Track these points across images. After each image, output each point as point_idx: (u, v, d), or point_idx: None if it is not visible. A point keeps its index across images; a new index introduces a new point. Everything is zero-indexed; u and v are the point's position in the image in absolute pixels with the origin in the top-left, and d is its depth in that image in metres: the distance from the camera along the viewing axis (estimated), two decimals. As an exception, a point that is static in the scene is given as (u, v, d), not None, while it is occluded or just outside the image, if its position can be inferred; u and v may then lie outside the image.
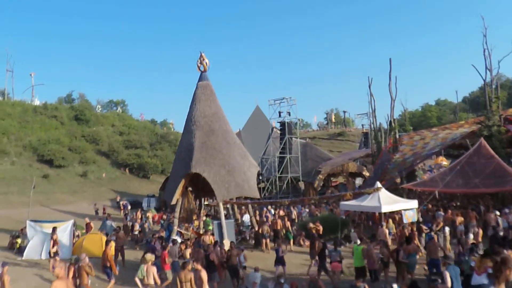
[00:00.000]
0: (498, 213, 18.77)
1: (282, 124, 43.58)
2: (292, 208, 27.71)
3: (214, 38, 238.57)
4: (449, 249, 16.37)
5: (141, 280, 11.75)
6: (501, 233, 16.48)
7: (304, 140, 54.76)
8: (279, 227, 21.16)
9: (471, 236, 15.50)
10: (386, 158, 31.85)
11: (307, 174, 42.14)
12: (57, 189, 44.94)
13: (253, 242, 21.56)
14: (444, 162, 45.71)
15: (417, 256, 14.42)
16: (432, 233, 15.76)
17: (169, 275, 14.19)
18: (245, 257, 15.15)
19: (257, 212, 27.15)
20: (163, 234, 21.11)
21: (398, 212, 19.45)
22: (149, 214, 31.55)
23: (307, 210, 27.66)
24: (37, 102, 71.99)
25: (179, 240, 18.84)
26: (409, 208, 18.95)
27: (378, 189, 18.73)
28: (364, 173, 43.44)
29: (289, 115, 43.77)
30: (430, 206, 23.22)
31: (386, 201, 18.62)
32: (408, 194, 25.93)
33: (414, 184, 26.11)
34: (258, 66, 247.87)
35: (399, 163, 29.91)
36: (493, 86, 30.96)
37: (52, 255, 16.83)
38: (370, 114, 44.66)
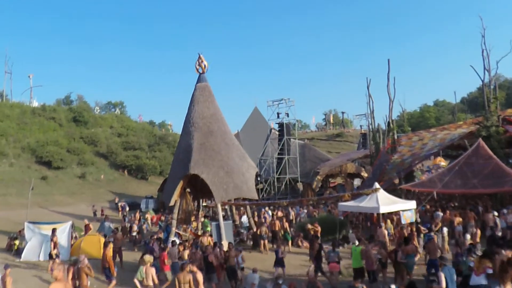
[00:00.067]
0: (496, 213, 18.79)
1: (281, 125, 43.63)
2: (290, 209, 27.71)
3: (212, 39, 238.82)
4: (447, 250, 16.39)
5: (141, 282, 11.76)
6: (500, 234, 16.54)
7: (302, 141, 54.78)
8: (277, 228, 21.19)
9: (468, 236, 15.52)
10: (385, 159, 31.88)
11: (306, 175, 42.16)
12: (56, 191, 44.86)
13: (251, 243, 21.57)
14: (443, 162, 45.83)
15: (417, 257, 14.46)
16: (432, 234, 15.77)
17: (169, 276, 14.20)
18: (243, 258, 15.14)
19: (256, 213, 27.17)
20: (161, 235, 21.12)
21: (396, 213, 19.47)
22: (148, 216, 31.53)
23: (306, 211, 27.67)
24: (35, 104, 72.06)
25: (177, 241, 18.83)
26: (407, 209, 18.97)
27: (376, 190, 18.73)
28: (362, 174, 43.47)
29: (288, 116, 43.82)
30: (428, 206, 23.24)
31: (385, 202, 18.64)
32: (406, 195, 25.92)
33: (412, 184, 26.12)
34: (256, 67, 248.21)
35: (397, 164, 29.94)
36: (492, 87, 31.00)
37: (54, 256, 16.87)
38: (369, 115, 44.82)
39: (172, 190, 20.96)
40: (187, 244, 18.89)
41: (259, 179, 36.76)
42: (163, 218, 29.96)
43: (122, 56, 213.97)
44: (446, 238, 16.94)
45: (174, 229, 21.08)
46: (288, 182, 41.59)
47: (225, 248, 16.11)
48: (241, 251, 15.45)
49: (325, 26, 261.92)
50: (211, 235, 19.45)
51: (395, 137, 33.87)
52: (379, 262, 13.51)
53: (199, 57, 22.79)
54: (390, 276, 13.40)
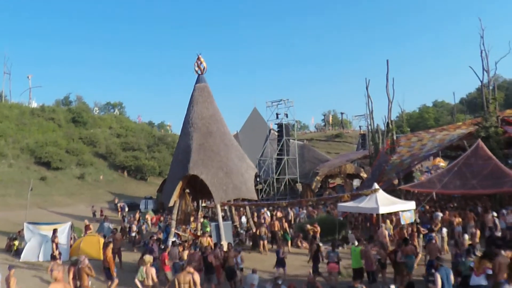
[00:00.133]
0: (495, 214, 18.81)
1: (280, 126, 43.67)
2: (289, 209, 27.72)
3: (212, 39, 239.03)
4: (446, 250, 16.43)
5: (141, 282, 11.78)
6: (499, 234, 16.56)
7: (301, 141, 54.81)
8: (276, 229, 21.19)
9: (467, 237, 15.54)
10: (384, 160, 31.90)
11: (305, 176, 42.17)
12: (55, 191, 44.81)
13: (251, 243, 21.57)
14: (442, 163, 45.86)
15: (418, 258, 14.48)
16: (433, 234, 15.78)
17: (170, 276, 14.21)
18: (242, 259, 15.15)
19: (255, 214, 27.17)
20: (161, 236, 21.13)
21: (396, 214, 19.48)
22: (147, 216, 31.52)
23: (305, 211, 27.67)
24: (34, 105, 72.01)
25: (177, 242, 18.82)
26: (406, 210, 18.98)
27: (375, 190, 18.75)
28: (361, 174, 43.48)
29: (287, 116, 43.86)
30: (427, 207, 23.26)
31: (384, 202, 18.66)
32: (405, 196, 25.94)
33: (411, 185, 26.13)
34: (256, 68, 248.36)
35: (396, 165, 29.96)
36: (490, 87, 31.04)
37: (58, 257, 16.90)
38: (368, 115, 44.88)
39: (171, 190, 20.96)
40: (186, 244, 18.91)
41: (258, 179, 36.75)
42: (162, 218, 29.95)
43: (121, 57, 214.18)
44: (446, 238, 16.97)
45: (173, 230, 21.08)
46: (287, 183, 41.61)
47: (225, 248, 16.11)
48: (240, 251, 15.45)
49: (324, 27, 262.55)
50: (210, 236, 19.46)
51: (394, 137, 33.94)
52: (378, 263, 13.52)
53: (198, 58, 22.79)
54: (389, 276, 13.41)
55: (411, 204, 19.50)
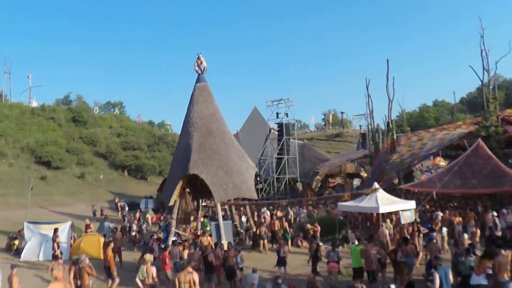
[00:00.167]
0: (495, 213, 18.80)
1: (280, 125, 43.67)
2: (289, 209, 27.72)
3: (212, 39, 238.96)
4: (446, 250, 16.43)
5: (142, 281, 11.79)
6: (499, 234, 16.54)
7: (301, 141, 54.83)
8: (276, 228, 21.20)
9: (466, 236, 15.54)
10: (384, 159, 31.87)
11: (305, 175, 42.17)
12: (55, 191, 44.82)
13: (251, 243, 21.57)
14: (442, 162, 45.85)
15: (419, 257, 14.47)
16: (434, 234, 15.78)
17: (171, 275, 14.22)
18: (242, 258, 15.15)
19: (255, 213, 27.18)
20: (161, 235, 21.14)
21: (396, 213, 19.47)
22: (148, 216, 31.54)
23: (305, 211, 27.68)
24: (34, 104, 71.98)
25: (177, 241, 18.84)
26: (407, 209, 18.96)
27: (376, 190, 18.74)
28: (362, 174, 43.47)
29: (287, 116, 43.88)
30: (428, 206, 23.26)
31: (384, 202, 18.64)
32: (406, 195, 25.93)
33: (412, 184, 26.11)
34: (256, 67, 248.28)
35: (396, 164, 29.93)
36: (491, 87, 31.01)
37: (60, 256, 16.91)
38: (368, 115, 44.80)
39: (171, 190, 20.96)
40: (186, 244, 18.92)
41: (258, 179, 36.73)
42: (162, 218, 29.96)
43: (121, 56, 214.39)
44: (446, 238, 16.96)
45: (173, 229, 21.10)
46: (287, 182, 41.62)
47: (225, 248, 16.12)
48: (240, 251, 15.45)
49: (324, 26, 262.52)
50: (210, 235, 19.46)
51: (394, 137, 33.88)
52: (378, 262, 13.52)
53: (198, 57, 22.79)
54: (389, 276, 13.41)
55: (411, 204, 19.47)
